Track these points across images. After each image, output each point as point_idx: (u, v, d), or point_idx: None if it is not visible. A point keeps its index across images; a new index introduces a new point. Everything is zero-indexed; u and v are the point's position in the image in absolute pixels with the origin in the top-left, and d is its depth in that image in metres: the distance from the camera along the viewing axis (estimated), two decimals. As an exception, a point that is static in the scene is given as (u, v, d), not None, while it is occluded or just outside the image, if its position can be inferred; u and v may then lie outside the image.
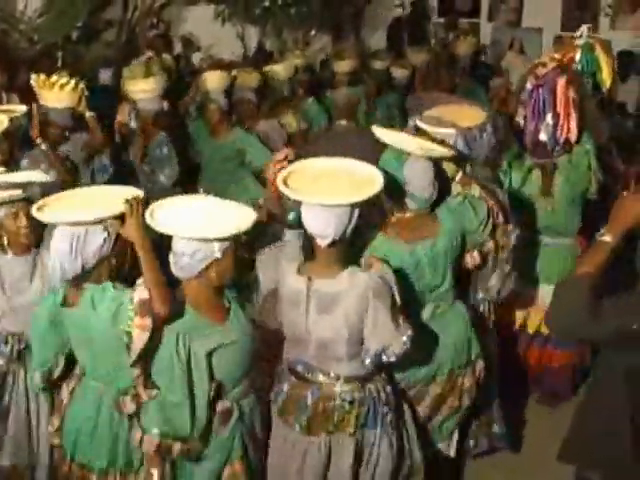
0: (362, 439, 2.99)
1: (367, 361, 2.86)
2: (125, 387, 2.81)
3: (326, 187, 2.85)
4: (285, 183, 2.89)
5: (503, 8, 9.11)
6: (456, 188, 3.44)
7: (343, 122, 5.53)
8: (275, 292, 2.98)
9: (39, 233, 3.09)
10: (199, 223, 2.70)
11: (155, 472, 2.80)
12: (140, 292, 2.66)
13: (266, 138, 5.65)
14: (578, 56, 4.27)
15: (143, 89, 5.10)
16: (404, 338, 2.83)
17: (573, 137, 4.03)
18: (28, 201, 3.02)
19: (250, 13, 8.78)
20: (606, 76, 4.32)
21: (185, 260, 2.69)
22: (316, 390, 2.95)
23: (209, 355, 2.76)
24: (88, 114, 4.87)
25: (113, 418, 2.86)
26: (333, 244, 2.83)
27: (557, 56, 4.15)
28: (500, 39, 9.01)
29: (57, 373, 2.94)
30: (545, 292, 3.91)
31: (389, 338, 2.82)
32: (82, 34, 7.69)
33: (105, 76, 6.65)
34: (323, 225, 2.79)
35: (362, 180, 2.89)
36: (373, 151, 3.55)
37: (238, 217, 2.75)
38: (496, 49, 8.84)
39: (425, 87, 6.81)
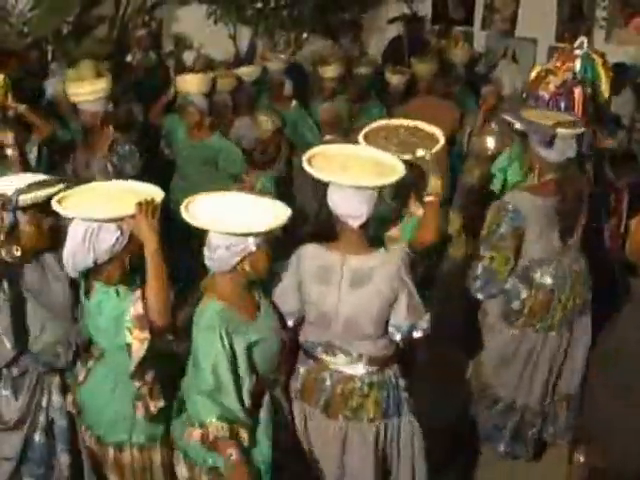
0: (384, 428, 3.05)
1: (397, 337, 2.98)
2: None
3: (353, 170, 2.95)
4: (310, 164, 2.99)
5: (497, 17, 9.11)
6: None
7: (328, 137, 5.43)
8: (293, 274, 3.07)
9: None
10: (235, 217, 2.75)
11: (234, 451, 2.71)
12: (136, 306, 2.70)
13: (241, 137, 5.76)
14: (578, 66, 4.32)
15: (91, 90, 4.87)
16: (428, 316, 2.98)
17: None
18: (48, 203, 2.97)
19: (242, 14, 8.75)
20: (605, 87, 4.40)
21: (220, 253, 2.73)
22: (335, 372, 3.04)
23: (248, 349, 2.80)
24: (21, 107, 4.81)
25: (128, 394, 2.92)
26: (363, 224, 2.96)
27: (556, 64, 4.29)
28: (493, 48, 9.03)
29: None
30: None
31: (419, 314, 2.96)
32: (73, 29, 7.62)
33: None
34: (357, 206, 2.91)
35: (385, 165, 3.03)
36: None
37: (272, 212, 2.81)
38: (489, 58, 8.85)
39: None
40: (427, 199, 3.34)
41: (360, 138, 3.50)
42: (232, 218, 2.76)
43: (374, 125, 3.59)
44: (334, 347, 3.02)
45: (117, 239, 2.79)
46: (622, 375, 2.53)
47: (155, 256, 2.74)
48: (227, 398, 2.71)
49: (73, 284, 3.06)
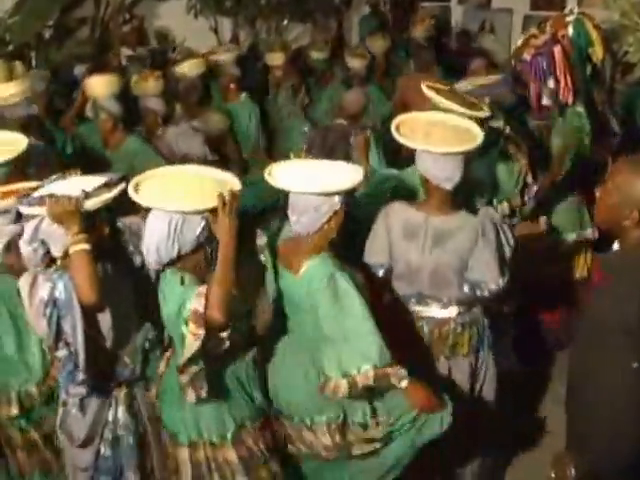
0: (475, 361, 3.38)
1: (465, 288, 3.26)
2: None
3: (437, 137, 3.22)
4: (398, 131, 3.26)
5: (473, -10, 9.20)
6: None
7: (341, 121, 5.36)
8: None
9: None
10: (318, 179, 2.86)
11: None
12: (196, 301, 2.64)
13: (176, 143, 5.39)
14: (570, 31, 4.51)
15: (5, 95, 4.60)
16: (500, 280, 3.22)
17: (571, 99, 4.43)
18: None
19: (221, 5, 8.79)
20: (598, 48, 4.57)
21: (310, 215, 2.84)
22: (430, 319, 3.34)
23: None
24: None
25: None
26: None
27: (550, 31, 4.48)
28: (471, 21, 9.11)
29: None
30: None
31: (487, 274, 3.22)
32: (55, 33, 7.65)
33: (79, 71, 6.63)
34: (452, 170, 3.17)
35: (464, 130, 3.30)
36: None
37: (348, 172, 2.94)
38: (467, 31, 8.93)
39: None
40: None
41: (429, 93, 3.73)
42: (315, 180, 2.87)
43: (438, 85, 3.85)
44: (425, 297, 3.33)
45: (202, 229, 2.76)
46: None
47: (228, 250, 2.68)
48: (377, 338, 2.84)
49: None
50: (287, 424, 3.11)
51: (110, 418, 3.08)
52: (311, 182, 2.85)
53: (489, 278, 3.21)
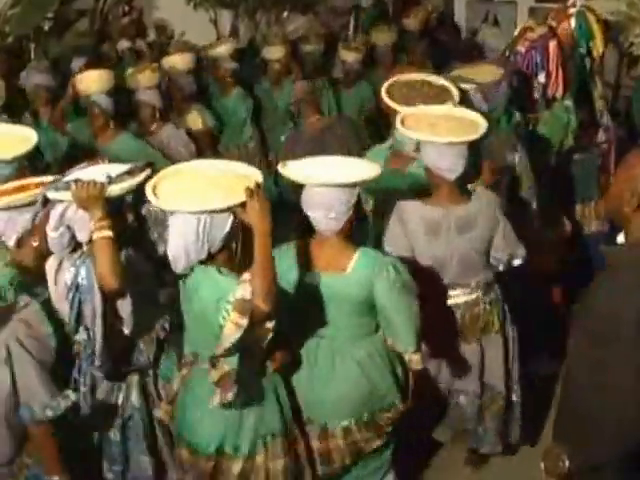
0: (505, 335, 3.55)
1: (501, 267, 3.47)
2: None
3: (442, 128, 3.27)
4: (403, 124, 3.32)
5: (477, -18, 9.12)
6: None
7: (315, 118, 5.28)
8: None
9: None
10: (339, 172, 2.85)
11: None
12: (244, 289, 2.52)
13: (167, 145, 5.32)
14: (573, 24, 4.50)
15: None
16: (522, 245, 3.43)
17: (559, 94, 4.46)
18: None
19: (221, -3, 8.74)
20: (598, 42, 4.56)
21: (338, 209, 2.84)
22: (460, 305, 3.46)
23: None
24: None
25: None
26: (458, 177, 3.30)
27: (553, 24, 4.50)
28: (474, 13, 9.03)
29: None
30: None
31: (514, 246, 3.43)
32: (54, 25, 7.60)
33: (77, 64, 6.57)
34: (454, 161, 3.23)
35: (468, 121, 3.35)
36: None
37: (359, 163, 3.01)
38: (471, 23, 8.86)
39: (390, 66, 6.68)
40: None
41: (383, 94, 3.79)
42: (338, 173, 2.85)
43: (391, 80, 3.88)
44: (455, 284, 3.43)
45: (231, 225, 2.66)
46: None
47: (265, 239, 2.56)
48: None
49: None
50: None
51: (120, 402, 3.06)
52: (338, 175, 2.83)
53: (517, 249, 3.43)
